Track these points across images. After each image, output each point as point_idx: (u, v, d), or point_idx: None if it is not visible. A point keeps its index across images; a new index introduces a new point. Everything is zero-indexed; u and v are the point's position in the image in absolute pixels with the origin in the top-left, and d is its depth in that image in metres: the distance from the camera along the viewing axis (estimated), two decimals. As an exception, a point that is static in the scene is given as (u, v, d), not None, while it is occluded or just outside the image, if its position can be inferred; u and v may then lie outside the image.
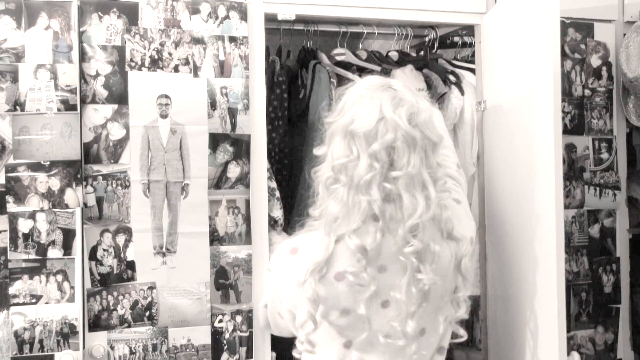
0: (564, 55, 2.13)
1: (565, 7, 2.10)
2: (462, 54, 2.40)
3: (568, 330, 2.09)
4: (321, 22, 2.12)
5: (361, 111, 1.35)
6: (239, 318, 1.80)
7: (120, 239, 1.73)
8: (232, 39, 1.82)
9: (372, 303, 1.37)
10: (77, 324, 1.68)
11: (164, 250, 1.75)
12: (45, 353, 1.65)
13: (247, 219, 1.81)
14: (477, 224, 2.01)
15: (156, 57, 1.76)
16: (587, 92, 2.17)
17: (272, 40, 2.10)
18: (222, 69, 1.81)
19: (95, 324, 1.71)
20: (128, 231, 1.73)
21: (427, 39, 2.28)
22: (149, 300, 1.74)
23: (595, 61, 2.19)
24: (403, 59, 2.27)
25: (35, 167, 1.67)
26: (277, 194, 1.90)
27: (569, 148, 2.14)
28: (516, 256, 1.82)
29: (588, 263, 2.14)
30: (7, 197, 1.65)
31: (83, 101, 1.71)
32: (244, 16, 1.84)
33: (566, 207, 2.11)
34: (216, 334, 1.79)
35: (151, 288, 1.74)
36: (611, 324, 2.17)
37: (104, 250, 1.72)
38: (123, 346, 1.72)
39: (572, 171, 2.14)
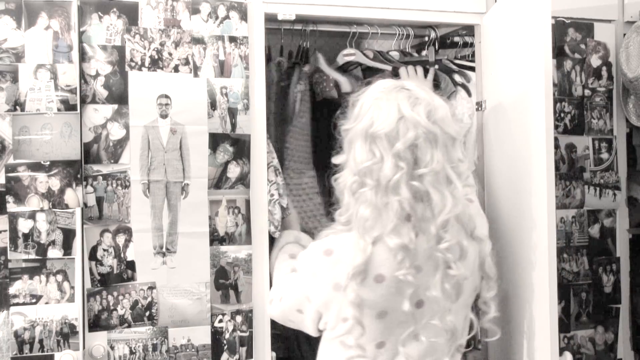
0: (564, 55, 2.14)
1: (565, 7, 2.11)
2: (462, 54, 2.40)
3: (568, 331, 2.10)
4: (321, 22, 2.11)
5: (379, 113, 1.37)
6: (239, 318, 1.80)
7: (120, 239, 1.73)
8: (232, 39, 1.82)
9: (409, 303, 1.38)
10: (77, 324, 1.68)
11: (164, 250, 1.75)
12: (45, 353, 1.65)
13: (247, 219, 1.81)
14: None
15: (156, 57, 1.76)
16: (587, 92, 2.17)
17: (272, 40, 2.10)
18: (222, 69, 1.81)
19: (95, 324, 1.71)
20: (128, 231, 1.73)
21: (427, 38, 2.27)
22: (149, 300, 1.74)
23: (595, 61, 2.19)
24: (405, 59, 2.27)
25: (35, 167, 1.67)
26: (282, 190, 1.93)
27: (569, 148, 2.14)
28: (514, 256, 1.82)
29: (588, 263, 2.14)
30: (7, 197, 1.65)
31: (83, 101, 1.71)
32: (244, 16, 1.84)
33: (566, 207, 2.11)
34: (216, 334, 1.79)
35: (151, 288, 1.74)
36: (611, 324, 2.17)
37: (104, 250, 1.72)
38: (123, 346, 1.72)
39: (572, 171, 2.14)
